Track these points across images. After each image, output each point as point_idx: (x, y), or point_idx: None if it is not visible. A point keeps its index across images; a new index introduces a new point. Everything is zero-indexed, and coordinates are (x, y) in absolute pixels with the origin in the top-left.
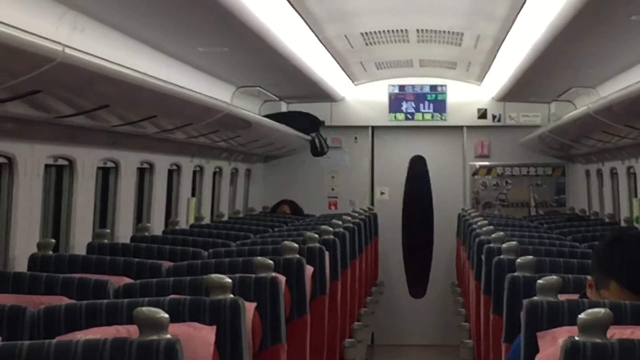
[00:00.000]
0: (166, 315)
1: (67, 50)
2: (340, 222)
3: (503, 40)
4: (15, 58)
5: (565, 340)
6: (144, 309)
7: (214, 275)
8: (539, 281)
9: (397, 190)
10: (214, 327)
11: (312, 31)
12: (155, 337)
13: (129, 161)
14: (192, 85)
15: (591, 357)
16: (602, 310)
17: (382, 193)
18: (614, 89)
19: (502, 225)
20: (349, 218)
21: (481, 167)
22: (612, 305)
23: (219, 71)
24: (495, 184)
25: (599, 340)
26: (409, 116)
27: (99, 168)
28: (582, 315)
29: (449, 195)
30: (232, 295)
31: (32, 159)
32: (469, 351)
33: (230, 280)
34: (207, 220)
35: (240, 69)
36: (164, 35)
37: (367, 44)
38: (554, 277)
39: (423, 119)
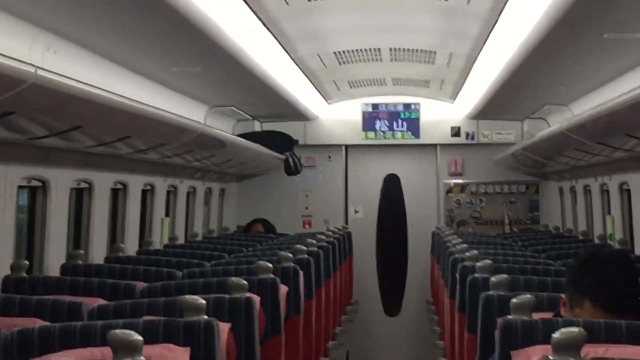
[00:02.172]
0: (140, 338)
1: (40, 72)
2: (314, 242)
3: (476, 59)
4: None
5: (540, 359)
6: (117, 331)
7: (188, 297)
8: (513, 300)
9: (372, 209)
10: (188, 348)
11: (285, 51)
12: None
13: (103, 182)
14: (165, 105)
15: None
16: (576, 329)
17: (356, 211)
18: (586, 106)
19: (476, 243)
20: (323, 237)
21: (455, 185)
22: (586, 324)
23: (193, 91)
24: (469, 202)
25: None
26: (383, 135)
27: (72, 189)
28: (556, 335)
29: (423, 213)
30: (206, 317)
31: (5, 181)
32: None
33: (204, 302)
34: (181, 240)
35: (214, 88)
36: (137, 56)
37: (340, 63)
38: (528, 295)
39: (396, 137)
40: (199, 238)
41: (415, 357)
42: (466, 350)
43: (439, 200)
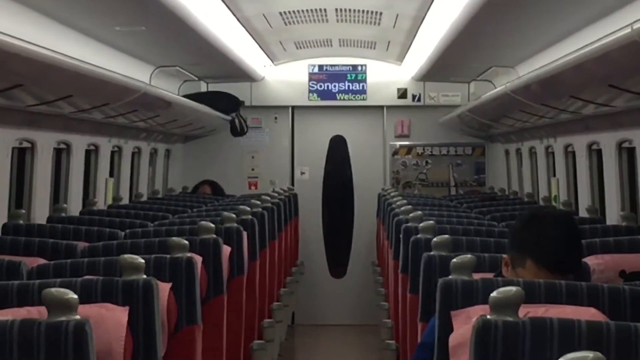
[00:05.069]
0: (75, 296)
1: None
2: (259, 202)
3: (422, 20)
4: None
5: (477, 318)
6: (52, 290)
7: (126, 256)
8: (453, 260)
9: (318, 171)
10: (127, 307)
11: (230, 10)
12: (64, 319)
13: (46, 141)
14: (109, 65)
15: (502, 335)
16: (513, 288)
17: (302, 173)
18: (532, 68)
19: (421, 205)
20: (268, 198)
21: (401, 146)
22: (526, 284)
23: (137, 51)
24: (415, 164)
25: (510, 319)
26: (329, 96)
27: (14, 148)
28: (493, 294)
29: (370, 175)
30: (145, 276)
31: None
32: (388, 331)
33: (142, 261)
34: (125, 201)
35: (159, 48)
36: (80, 14)
37: (286, 24)
38: (469, 255)
39: (343, 98)
40: (144, 199)
41: (361, 318)
42: (409, 311)
43: (385, 162)
